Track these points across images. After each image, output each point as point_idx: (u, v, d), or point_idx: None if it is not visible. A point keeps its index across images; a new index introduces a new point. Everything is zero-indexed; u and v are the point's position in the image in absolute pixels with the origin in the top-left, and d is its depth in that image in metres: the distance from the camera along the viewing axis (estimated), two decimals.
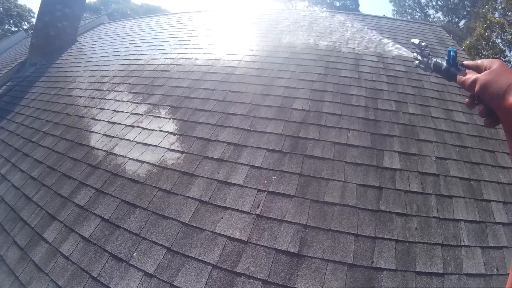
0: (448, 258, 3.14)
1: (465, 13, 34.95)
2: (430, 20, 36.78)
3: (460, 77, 1.13)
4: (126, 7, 42.46)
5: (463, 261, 3.13)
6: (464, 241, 3.30)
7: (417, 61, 1.53)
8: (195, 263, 2.95)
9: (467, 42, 18.14)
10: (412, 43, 1.58)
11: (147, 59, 7.64)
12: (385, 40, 2.71)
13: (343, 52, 6.99)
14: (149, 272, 2.94)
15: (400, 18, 31.72)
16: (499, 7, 17.59)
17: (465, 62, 1.16)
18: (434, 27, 10.66)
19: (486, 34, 16.14)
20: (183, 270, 2.91)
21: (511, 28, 14.88)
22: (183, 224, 3.29)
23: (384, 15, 11.80)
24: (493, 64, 1.02)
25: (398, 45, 2.13)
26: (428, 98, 5.55)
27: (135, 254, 3.12)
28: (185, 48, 7.87)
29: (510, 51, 16.54)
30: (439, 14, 37.93)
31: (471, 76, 1.07)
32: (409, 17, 37.94)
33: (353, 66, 6.39)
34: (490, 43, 15.94)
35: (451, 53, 1.21)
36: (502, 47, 16.47)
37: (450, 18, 36.65)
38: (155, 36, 9.66)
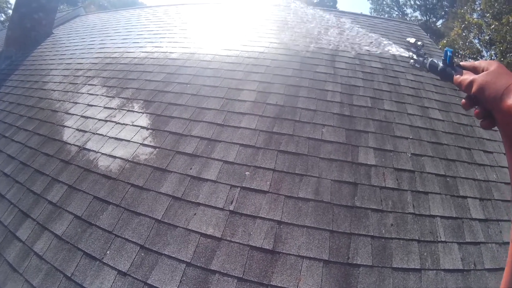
0: (425, 254, 3.16)
1: (443, 13, 35.45)
2: (408, 19, 37.21)
3: (457, 78, 1.12)
4: (103, 0, 42.02)
5: (440, 257, 3.16)
6: (440, 237, 3.33)
7: (412, 60, 1.52)
8: (169, 260, 2.91)
9: (444, 41, 18.40)
10: (408, 42, 1.57)
11: (122, 52, 7.54)
12: (382, 39, 2.71)
13: (320, 48, 6.98)
14: (123, 271, 2.89)
15: (377, 16, 32.03)
16: (478, 8, 17.88)
17: (462, 63, 1.15)
18: (411, 26, 10.78)
19: (464, 34, 16.38)
20: (156, 268, 2.87)
21: (488, 29, 15.12)
22: (156, 221, 3.24)
23: (361, 13, 11.85)
24: (491, 65, 1.01)
25: (394, 44, 2.11)
26: (404, 95, 5.58)
27: (108, 252, 3.07)
28: (160, 42, 7.80)
29: (487, 52, 16.84)
30: (417, 13, 38.42)
31: (468, 77, 1.07)
32: (386, 16, 38.32)
33: (329, 62, 6.38)
34: (467, 43, 16.18)
35: (448, 53, 1.20)
36: (479, 47, 16.75)
37: (428, 18, 37.11)
38: (130, 29, 9.58)
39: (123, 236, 3.16)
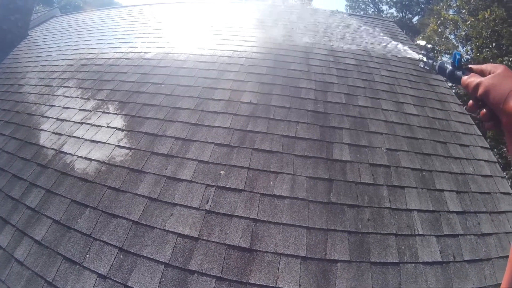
0: (403, 247, 3.20)
1: (419, 9, 35.68)
2: (384, 15, 37.42)
3: (464, 80, 1.14)
4: (79, 0, 41.40)
5: (418, 250, 3.21)
6: (418, 230, 3.38)
7: (422, 63, 1.54)
8: (148, 262, 2.91)
9: (420, 37, 18.56)
10: (418, 44, 1.59)
11: (97, 53, 7.45)
12: (395, 42, 2.75)
13: (294, 45, 7.00)
14: (103, 274, 2.88)
15: (353, 13, 32.15)
16: (454, 5, 18.05)
17: (470, 66, 1.18)
18: (386, 22, 10.86)
19: (439, 30, 16.54)
20: (136, 270, 2.87)
21: (464, 25, 15.30)
22: (133, 223, 3.23)
23: (337, 10, 11.92)
24: (497, 68, 1.04)
25: (406, 47, 2.15)
26: (379, 91, 5.63)
27: (87, 255, 3.06)
28: (135, 42, 7.73)
29: (463, 47, 17.04)
30: (393, 10, 38.61)
31: (475, 79, 1.09)
32: (362, 13, 38.45)
33: (303, 59, 6.39)
34: (443, 39, 16.35)
35: (457, 56, 1.22)
36: (455, 43, 16.93)
37: (404, 14, 37.32)
38: (105, 30, 9.46)
39: (101, 239, 3.14)
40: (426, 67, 1.49)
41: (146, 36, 8.10)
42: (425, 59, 1.50)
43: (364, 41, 7.18)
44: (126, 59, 6.76)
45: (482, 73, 1.10)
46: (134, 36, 8.24)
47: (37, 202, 3.77)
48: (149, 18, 9.91)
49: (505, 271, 1.03)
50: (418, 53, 1.62)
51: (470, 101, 1.13)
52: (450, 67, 1.25)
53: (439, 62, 1.35)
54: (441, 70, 1.32)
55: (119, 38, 8.28)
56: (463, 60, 1.23)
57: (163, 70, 5.99)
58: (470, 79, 1.10)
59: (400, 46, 2.33)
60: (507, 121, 0.95)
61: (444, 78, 1.34)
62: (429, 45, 1.52)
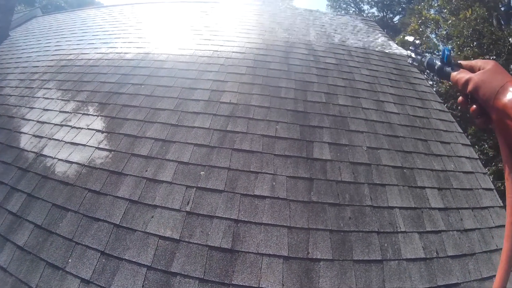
0: (386, 244, 3.23)
1: (400, 9, 35.89)
2: (365, 15, 37.53)
3: (454, 76, 1.16)
4: (61, 0, 40.93)
5: (401, 247, 3.24)
6: (400, 228, 3.41)
7: (410, 59, 1.56)
8: (130, 265, 2.89)
9: (401, 36, 18.70)
10: (406, 40, 1.61)
11: (77, 54, 7.37)
12: (382, 38, 2.78)
13: (274, 45, 7.02)
14: (86, 278, 2.85)
15: (334, 12, 32.19)
16: (435, 5, 18.20)
17: (460, 62, 1.18)
18: (367, 21, 10.90)
19: (420, 29, 16.69)
20: (118, 274, 2.85)
21: (446, 24, 15.45)
22: (115, 226, 3.21)
23: (317, 10, 11.95)
24: (487, 64, 1.05)
25: (391, 43, 2.17)
26: (359, 89, 5.66)
27: (70, 260, 3.02)
28: (115, 42, 7.67)
29: (444, 46, 17.30)
30: (374, 10, 38.79)
31: (464, 75, 1.10)
32: (343, 12, 38.54)
33: (282, 58, 6.40)
34: (424, 38, 16.49)
35: (445, 52, 1.23)
36: (436, 42, 17.11)
37: (385, 14, 37.53)
38: (86, 30, 9.37)
39: (83, 243, 3.11)
40: (414, 63, 1.51)
41: (126, 36, 8.05)
42: (413, 55, 1.52)
43: (350, 39, 7.26)
44: (106, 59, 6.70)
45: (472, 69, 1.11)
46: (115, 36, 8.19)
47: (19, 207, 3.72)
48: (130, 18, 9.87)
49: (497, 271, 1.04)
50: (406, 49, 1.63)
51: (460, 97, 1.14)
52: (439, 63, 1.26)
53: (427, 58, 1.36)
54: (430, 66, 1.33)
55: (100, 39, 8.21)
56: (452, 55, 1.23)
57: (143, 70, 5.96)
58: (460, 75, 1.11)
59: (385, 41, 2.38)
60: (497, 117, 0.96)
61: (433, 74, 1.35)
62: (417, 41, 1.53)
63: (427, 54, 1.43)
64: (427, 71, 1.45)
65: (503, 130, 0.96)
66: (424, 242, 3.35)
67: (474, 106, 1.06)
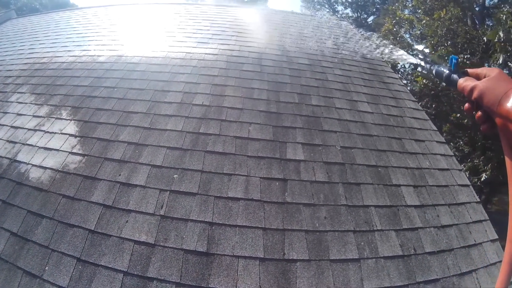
0: (362, 243, 3.26)
1: (374, 9, 36.22)
2: (339, 16, 37.72)
3: (460, 84, 1.17)
4: (36, 1, 40.33)
5: (378, 245, 3.27)
6: (376, 226, 3.44)
7: (419, 67, 1.59)
8: (106, 271, 2.86)
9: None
10: (416, 49, 1.62)
11: (51, 57, 7.27)
12: (395, 49, 2.80)
13: (247, 46, 7.05)
14: (63, 286, 2.81)
15: (308, 13, 32.24)
16: (409, 5, 18.41)
17: (466, 70, 1.20)
18: (341, 22, 10.99)
19: (394, 29, 16.87)
20: (95, 280, 2.82)
21: (420, 24, 15.63)
22: (90, 231, 3.17)
23: (292, 11, 12.01)
24: (492, 72, 1.07)
25: (405, 53, 2.19)
26: (332, 89, 5.69)
27: (47, 268, 2.98)
28: (88, 45, 7.59)
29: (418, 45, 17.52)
30: (348, 11, 39.02)
31: (470, 83, 1.11)
32: (317, 13, 38.64)
33: (255, 60, 6.42)
34: (398, 38, 16.66)
35: (453, 60, 1.25)
36: (410, 41, 17.30)
37: (359, 14, 37.80)
38: (60, 33, 9.27)
39: (59, 250, 3.07)
40: (424, 71, 1.52)
41: (100, 38, 7.98)
42: (423, 63, 1.53)
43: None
44: (79, 62, 6.63)
45: (477, 77, 1.13)
46: (88, 39, 8.12)
47: None
48: (104, 20, 9.79)
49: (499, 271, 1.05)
50: (416, 57, 1.66)
51: (466, 104, 1.16)
52: (447, 71, 1.27)
53: (436, 66, 1.38)
54: (438, 74, 1.34)
55: (73, 41, 8.12)
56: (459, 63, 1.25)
57: (116, 73, 5.92)
58: (466, 83, 1.13)
59: (400, 52, 2.41)
60: (501, 123, 0.97)
61: (441, 82, 1.37)
62: (426, 50, 1.55)
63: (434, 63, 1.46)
64: (436, 79, 1.48)
65: (507, 135, 0.99)
66: (401, 239, 3.38)
67: (480, 112, 1.08)
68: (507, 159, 1.02)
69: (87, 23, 9.77)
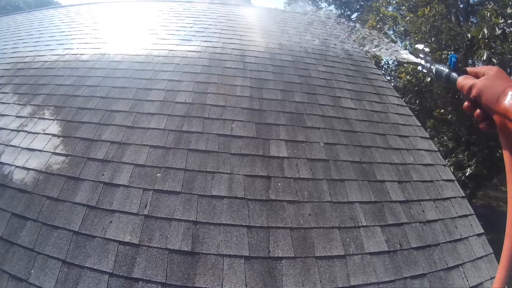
0: (348, 239, 3.26)
1: (358, 6, 36.30)
2: (322, 13, 37.63)
3: (459, 82, 1.18)
4: (19, 0, 39.88)
5: (363, 241, 3.28)
6: (361, 222, 3.45)
7: (420, 66, 1.58)
8: (92, 273, 2.84)
9: (354, 35, 18.99)
10: (416, 48, 1.63)
11: (34, 56, 7.17)
12: (398, 48, 2.82)
13: (230, 43, 7.04)
14: None
15: (291, 10, 32.12)
16: (393, 2, 18.49)
17: (465, 68, 1.22)
18: (325, 19, 11.00)
19: (378, 26, 16.95)
20: (81, 282, 2.79)
21: (403, 21, 15.72)
22: (74, 233, 3.14)
23: (275, 8, 11.99)
24: (490, 70, 1.07)
25: (407, 52, 2.21)
26: (315, 86, 5.71)
27: (32, 271, 2.94)
28: (71, 43, 7.50)
29: (402, 42, 17.66)
30: (332, 7, 39.00)
31: (469, 81, 1.12)
32: (301, 10, 38.53)
33: (238, 57, 6.40)
34: (381, 35, 16.79)
35: (452, 59, 1.26)
36: (394, 38, 17.42)
37: (343, 11, 37.82)
38: (43, 31, 9.16)
39: (44, 253, 3.04)
40: (423, 70, 1.53)
41: (82, 37, 7.90)
42: (423, 62, 1.54)
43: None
44: (62, 61, 6.55)
45: (476, 75, 1.14)
46: (71, 37, 8.03)
47: None
48: (87, 18, 9.69)
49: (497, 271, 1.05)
50: (416, 57, 1.67)
51: (466, 102, 1.16)
52: (447, 70, 1.28)
53: (436, 65, 1.39)
54: (438, 73, 1.35)
55: (56, 40, 8.03)
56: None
57: (98, 72, 5.86)
58: (465, 81, 1.14)
59: (402, 51, 2.43)
60: (499, 121, 0.97)
61: (441, 81, 1.37)
62: (426, 49, 1.56)
63: (434, 62, 1.47)
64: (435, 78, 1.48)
65: (505, 133, 0.99)
66: (387, 235, 3.40)
67: (478, 110, 1.09)
68: (505, 157, 1.03)
69: (70, 21, 9.69)
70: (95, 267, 2.85)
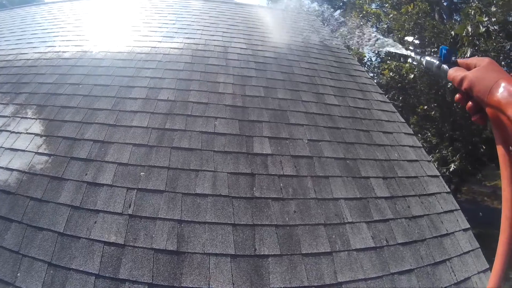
0: (334, 236, 3.27)
1: (341, 3, 36.44)
2: (305, 10, 37.62)
3: (450, 74, 1.17)
4: None
5: (349, 238, 3.29)
6: (347, 218, 3.46)
7: (410, 59, 1.58)
8: (78, 275, 2.80)
9: (341, 30, 19.07)
10: (406, 40, 1.62)
11: (16, 54, 7.04)
12: (386, 39, 2.81)
13: (212, 40, 7.04)
14: None
15: (274, 7, 31.99)
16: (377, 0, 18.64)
17: (456, 60, 1.21)
18: (308, 16, 11.07)
19: (361, 23, 17.07)
20: (68, 285, 2.75)
21: (386, 18, 15.83)
22: (59, 234, 3.10)
23: (258, 5, 12.02)
24: (482, 62, 1.06)
25: (396, 43, 2.20)
26: (299, 83, 5.72)
27: (19, 274, 2.90)
28: (54, 41, 7.41)
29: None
30: (314, 4, 38.99)
31: (460, 73, 1.11)
32: (284, 6, 38.38)
33: (221, 54, 6.40)
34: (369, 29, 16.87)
35: (443, 51, 1.24)
36: (377, 35, 17.58)
37: (326, 8, 37.93)
38: (25, 29, 9.02)
39: (30, 255, 2.99)
40: (414, 62, 1.54)
41: (65, 34, 7.80)
42: (413, 54, 1.54)
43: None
44: (44, 59, 6.47)
45: (467, 67, 1.13)
46: (53, 34, 7.93)
47: None
48: (69, 15, 9.58)
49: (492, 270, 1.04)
50: (407, 49, 1.66)
51: (457, 95, 1.16)
52: (437, 62, 1.27)
53: (426, 57, 1.38)
54: (429, 65, 1.34)
55: (39, 37, 7.92)
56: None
57: (81, 69, 5.79)
58: (456, 73, 1.13)
59: (391, 42, 2.42)
60: (492, 113, 0.97)
61: (432, 73, 1.38)
62: (416, 41, 1.56)
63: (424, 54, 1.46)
64: (426, 70, 1.49)
65: (498, 126, 0.98)
66: (373, 231, 3.42)
67: (470, 103, 1.09)
68: (499, 150, 1.02)
69: (52, 18, 9.57)
70: (81, 269, 2.81)
